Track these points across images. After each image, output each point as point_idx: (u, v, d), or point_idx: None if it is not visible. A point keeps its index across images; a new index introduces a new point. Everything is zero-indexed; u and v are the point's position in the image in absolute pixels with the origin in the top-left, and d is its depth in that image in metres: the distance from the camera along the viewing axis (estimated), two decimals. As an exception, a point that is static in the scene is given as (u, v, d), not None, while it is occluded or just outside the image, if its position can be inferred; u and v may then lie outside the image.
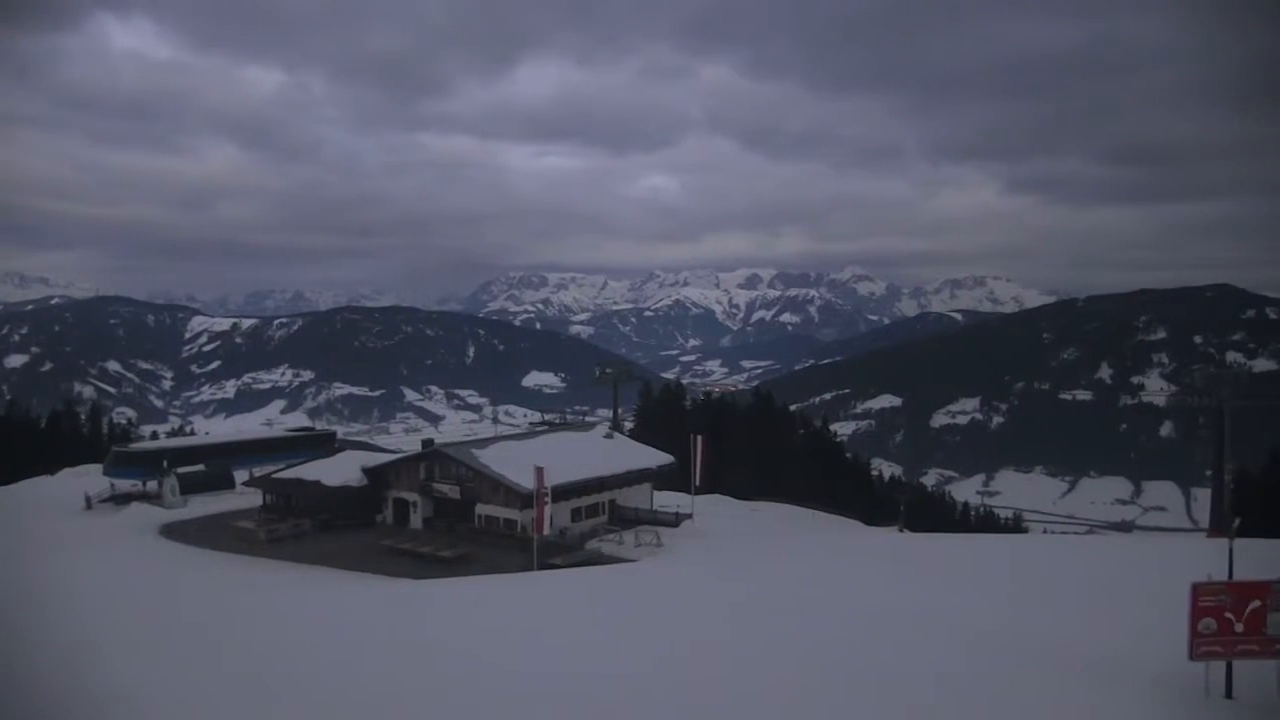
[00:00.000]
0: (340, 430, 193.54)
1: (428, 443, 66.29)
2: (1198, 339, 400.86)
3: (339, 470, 63.43)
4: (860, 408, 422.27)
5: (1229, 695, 18.47)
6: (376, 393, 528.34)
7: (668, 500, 67.04)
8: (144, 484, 72.72)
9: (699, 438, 65.32)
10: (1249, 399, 78.27)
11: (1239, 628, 18.20)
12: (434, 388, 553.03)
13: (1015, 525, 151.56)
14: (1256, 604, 18.24)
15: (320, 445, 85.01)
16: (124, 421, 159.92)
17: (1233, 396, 75.83)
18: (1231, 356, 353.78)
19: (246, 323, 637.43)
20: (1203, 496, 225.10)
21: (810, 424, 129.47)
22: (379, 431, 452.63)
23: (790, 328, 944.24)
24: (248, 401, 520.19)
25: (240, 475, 74.02)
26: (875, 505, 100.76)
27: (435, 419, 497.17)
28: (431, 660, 22.47)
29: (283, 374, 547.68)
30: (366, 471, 62.86)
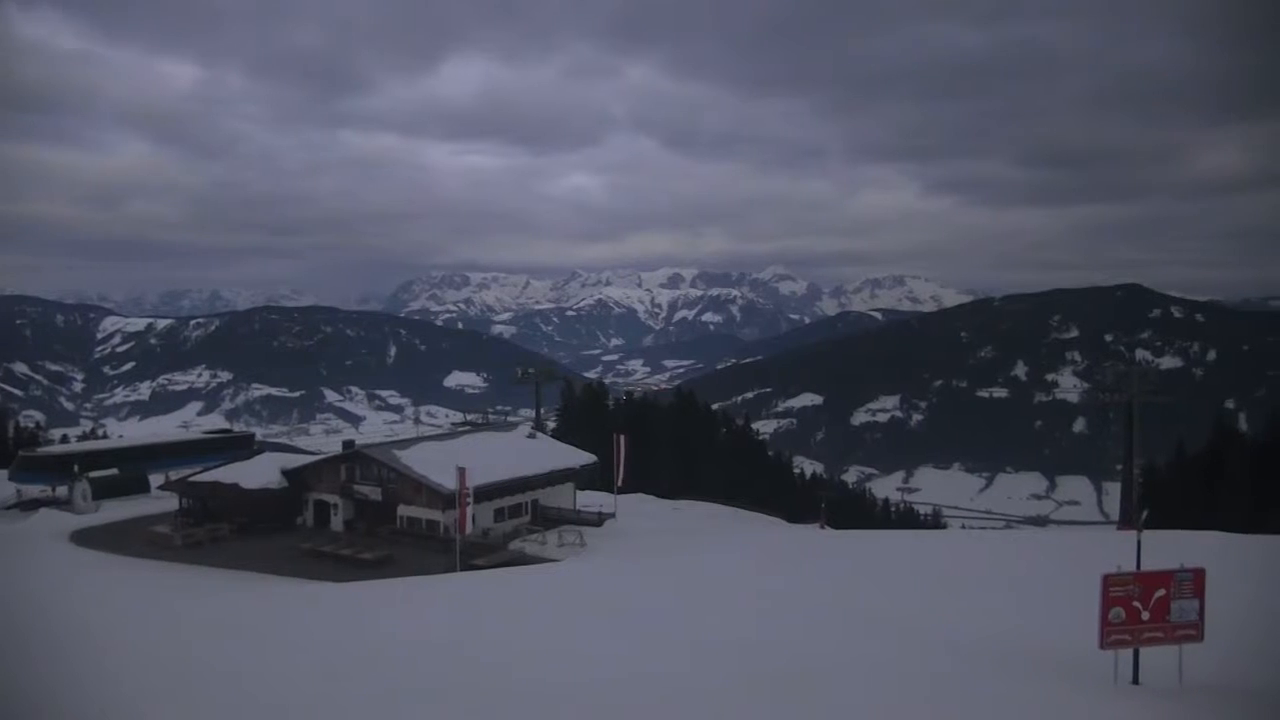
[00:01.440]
0: (259, 432, 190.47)
1: (348, 444, 65.56)
2: (1108, 337, 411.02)
3: (258, 473, 62.54)
4: (782, 406, 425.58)
5: (1135, 681, 18.98)
6: (296, 394, 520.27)
7: (590, 500, 67.13)
8: (53, 489, 70.95)
9: (621, 437, 65.80)
10: (1156, 395, 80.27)
11: (1145, 616, 18.73)
12: (354, 388, 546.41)
13: (934, 521, 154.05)
14: (1161, 592, 18.79)
15: (238, 447, 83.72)
16: (32, 425, 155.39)
17: (1141, 393, 77.78)
18: (1140, 354, 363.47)
19: (162, 323, 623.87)
20: (1113, 490, 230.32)
21: (732, 422, 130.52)
22: (299, 433, 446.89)
23: (712, 327, 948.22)
24: (163, 403, 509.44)
25: (155, 479, 72.54)
26: (797, 503, 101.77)
27: (356, 420, 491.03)
28: (347, 663, 22.24)
29: (199, 375, 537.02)
30: (286, 474, 62.10)
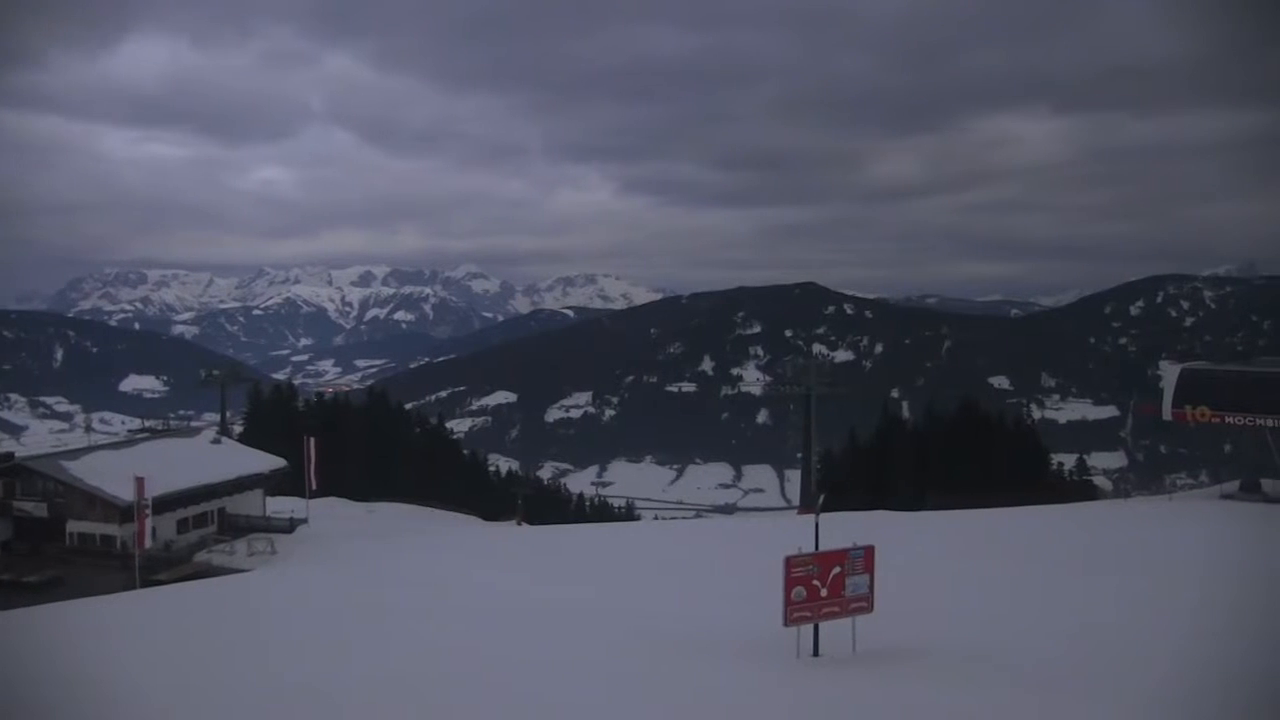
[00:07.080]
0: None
1: (7, 456, 60.63)
2: (788, 333, 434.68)
3: (-106, 493, 56.72)
4: (476, 404, 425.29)
5: (816, 653, 20.34)
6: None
7: (282, 505, 65.32)
8: None
9: (312, 440, 64.35)
10: (831, 387, 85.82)
11: (824, 593, 20.08)
12: (15, 395, 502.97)
13: (628, 513, 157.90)
14: (838, 570, 20.27)
15: None
16: None
17: (817, 385, 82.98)
18: (816, 348, 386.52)
19: None
20: (794, 477, 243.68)
21: (426, 422, 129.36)
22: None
23: (405, 325, 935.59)
24: None
25: None
26: (493, 500, 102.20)
27: (17, 430, 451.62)
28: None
29: None
30: (-69, 493, 56.70)
